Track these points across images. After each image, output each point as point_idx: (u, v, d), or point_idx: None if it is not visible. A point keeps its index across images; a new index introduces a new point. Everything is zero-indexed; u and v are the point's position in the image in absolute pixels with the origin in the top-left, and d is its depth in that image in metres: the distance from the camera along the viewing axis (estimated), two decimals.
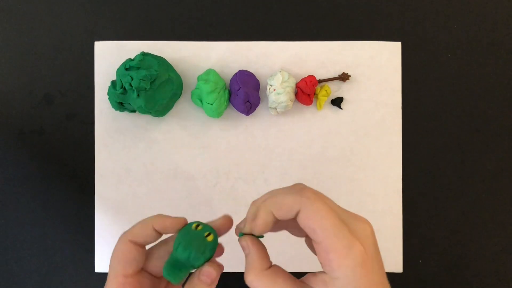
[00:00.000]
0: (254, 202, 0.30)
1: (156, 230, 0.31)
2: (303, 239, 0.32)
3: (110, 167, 0.47)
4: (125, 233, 0.31)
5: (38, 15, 0.48)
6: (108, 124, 0.48)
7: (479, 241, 0.48)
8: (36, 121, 0.48)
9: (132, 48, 0.48)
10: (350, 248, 0.26)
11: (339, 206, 0.29)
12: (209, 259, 0.30)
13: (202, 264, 0.30)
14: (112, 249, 0.31)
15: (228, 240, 0.49)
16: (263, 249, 0.30)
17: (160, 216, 0.32)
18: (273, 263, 0.30)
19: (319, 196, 0.28)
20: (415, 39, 0.48)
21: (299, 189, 0.28)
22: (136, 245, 0.31)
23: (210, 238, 0.30)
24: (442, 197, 0.48)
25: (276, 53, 0.48)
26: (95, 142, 0.48)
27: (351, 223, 0.27)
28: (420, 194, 0.48)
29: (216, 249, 0.31)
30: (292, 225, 0.31)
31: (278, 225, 0.31)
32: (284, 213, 0.28)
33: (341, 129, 0.48)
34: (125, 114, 0.48)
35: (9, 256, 0.48)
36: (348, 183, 0.48)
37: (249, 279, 0.29)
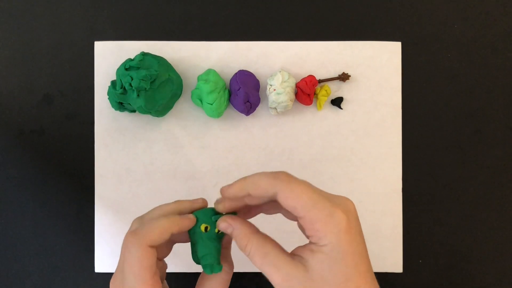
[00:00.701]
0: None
1: (174, 234, 0.32)
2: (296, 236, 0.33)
3: (110, 167, 0.47)
4: (140, 237, 0.31)
5: (38, 15, 0.48)
6: (108, 124, 0.48)
7: (479, 241, 0.48)
8: (36, 121, 0.48)
9: (132, 48, 0.48)
10: (331, 216, 0.28)
11: (318, 188, 0.30)
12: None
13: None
14: (124, 252, 0.31)
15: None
16: (245, 221, 0.32)
17: (175, 219, 0.32)
18: None
19: (294, 178, 0.30)
20: (415, 39, 0.48)
21: (275, 172, 0.30)
22: (154, 247, 0.31)
23: (221, 232, 0.33)
24: (442, 197, 0.48)
25: (276, 53, 0.48)
26: (95, 142, 0.48)
27: (332, 198, 0.29)
28: (420, 194, 0.48)
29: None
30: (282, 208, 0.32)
31: (271, 207, 0.33)
32: (259, 192, 0.30)
33: (341, 129, 0.48)
34: (125, 114, 0.48)
35: (9, 256, 0.48)
36: (348, 183, 0.48)
37: (242, 245, 0.30)
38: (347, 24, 0.48)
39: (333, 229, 0.28)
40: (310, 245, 0.29)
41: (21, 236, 0.48)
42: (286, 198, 0.29)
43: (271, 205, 0.33)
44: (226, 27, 0.48)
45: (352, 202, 0.30)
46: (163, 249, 0.35)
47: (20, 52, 0.48)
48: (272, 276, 0.29)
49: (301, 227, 0.32)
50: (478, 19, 0.49)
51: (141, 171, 0.47)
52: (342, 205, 0.29)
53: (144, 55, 0.44)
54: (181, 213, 0.34)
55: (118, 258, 0.35)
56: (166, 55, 0.47)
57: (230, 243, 0.36)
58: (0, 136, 0.48)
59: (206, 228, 0.33)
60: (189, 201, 0.36)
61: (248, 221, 0.32)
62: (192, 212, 0.34)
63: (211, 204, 0.35)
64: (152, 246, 0.31)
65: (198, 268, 0.35)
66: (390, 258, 0.48)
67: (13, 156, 0.48)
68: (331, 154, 0.48)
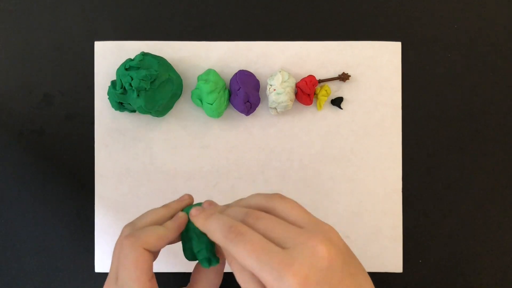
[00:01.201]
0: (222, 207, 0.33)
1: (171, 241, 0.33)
2: None
3: (110, 167, 0.47)
4: (136, 240, 0.31)
5: (38, 15, 0.48)
6: (108, 124, 0.48)
7: (480, 241, 0.48)
8: (36, 121, 0.48)
9: (132, 48, 0.48)
10: (280, 279, 0.25)
11: (284, 224, 0.28)
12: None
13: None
14: (119, 257, 0.31)
15: None
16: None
17: (172, 227, 0.33)
18: None
19: (250, 231, 0.27)
20: (415, 39, 0.48)
21: (234, 226, 0.28)
22: (151, 251, 0.31)
23: None
24: (442, 197, 0.48)
25: (276, 53, 0.48)
26: (95, 142, 0.48)
27: (292, 247, 0.26)
28: (420, 194, 0.48)
29: None
30: None
31: None
32: (214, 240, 0.30)
33: (341, 129, 0.48)
34: (125, 114, 0.48)
35: (9, 256, 0.48)
36: (348, 183, 0.48)
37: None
38: (347, 24, 0.48)
39: None
40: None
41: (21, 236, 0.48)
42: (232, 262, 0.28)
43: None
44: (226, 27, 0.48)
45: (335, 232, 0.27)
46: (155, 254, 0.35)
47: (20, 52, 0.48)
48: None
49: None
50: (478, 19, 0.49)
51: (141, 171, 0.47)
52: (304, 254, 0.25)
53: (144, 55, 0.44)
54: (171, 216, 0.35)
55: None
56: (166, 55, 0.47)
57: None
58: (0, 136, 0.48)
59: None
60: (176, 201, 0.36)
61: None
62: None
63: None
64: (148, 250, 0.31)
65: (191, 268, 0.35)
66: (390, 258, 0.48)
67: (13, 156, 0.48)
68: (331, 154, 0.48)
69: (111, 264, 0.33)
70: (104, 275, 0.47)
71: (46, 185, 0.48)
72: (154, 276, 0.32)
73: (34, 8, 0.48)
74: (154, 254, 0.34)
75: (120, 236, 0.33)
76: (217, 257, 0.34)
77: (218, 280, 0.34)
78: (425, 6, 0.48)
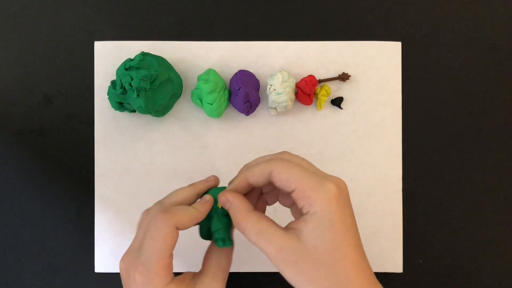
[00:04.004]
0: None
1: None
2: None
3: (110, 167, 0.47)
4: (171, 216, 0.32)
5: (38, 15, 0.48)
6: (108, 124, 0.48)
7: (480, 241, 0.48)
8: (36, 121, 0.48)
9: (132, 48, 0.48)
10: (322, 184, 0.30)
11: (312, 165, 0.33)
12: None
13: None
14: (151, 228, 0.32)
15: None
16: (243, 198, 0.33)
17: (202, 209, 0.34)
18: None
19: (290, 157, 0.33)
20: (415, 39, 0.48)
21: (270, 156, 0.33)
22: (179, 229, 0.33)
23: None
24: (442, 197, 0.48)
25: (276, 53, 0.48)
26: (95, 142, 0.48)
27: (323, 174, 0.32)
28: (420, 194, 0.48)
29: None
30: (276, 194, 0.36)
31: (271, 194, 0.36)
32: (256, 178, 0.32)
33: (341, 129, 0.48)
34: (125, 114, 0.48)
35: (9, 256, 0.48)
36: (348, 183, 0.48)
37: (237, 222, 0.32)
38: (347, 24, 0.48)
39: (323, 196, 0.30)
40: (303, 217, 0.30)
41: (21, 236, 0.48)
42: (279, 174, 0.31)
43: (272, 193, 0.36)
44: (226, 27, 0.48)
45: (343, 181, 0.32)
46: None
47: (20, 52, 0.48)
48: (266, 249, 0.30)
49: (294, 212, 0.35)
50: (478, 19, 0.49)
51: (141, 171, 0.47)
52: (333, 180, 0.31)
53: (144, 55, 0.44)
54: (197, 195, 0.36)
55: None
56: (166, 55, 0.47)
57: None
58: (0, 136, 0.48)
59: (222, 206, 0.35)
60: (203, 181, 0.38)
61: (245, 199, 0.33)
62: (206, 191, 0.37)
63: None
64: (178, 228, 0.33)
65: (198, 268, 0.35)
66: (390, 258, 0.48)
67: (13, 156, 0.48)
68: (331, 154, 0.48)
69: (136, 235, 0.35)
70: (104, 275, 0.47)
71: (46, 185, 0.48)
72: (173, 256, 0.33)
73: (34, 8, 0.48)
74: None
75: (151, 210, 0.35)
76: (232, 240, 0.35)
77: (228, 266, 0.35)
78: (425, 6, 0.48)
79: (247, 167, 0.34)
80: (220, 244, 0.34)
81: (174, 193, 0.36)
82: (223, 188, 0.36)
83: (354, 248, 0.30)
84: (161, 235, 0.32)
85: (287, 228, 0.31)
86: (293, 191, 0.31)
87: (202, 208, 0.35)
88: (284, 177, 0.31)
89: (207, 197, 0.36)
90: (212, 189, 0.37)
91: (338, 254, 0.29)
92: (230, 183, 0.35)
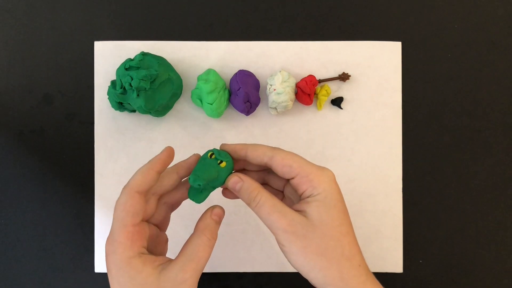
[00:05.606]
0: None
1: (158, 173, 0.34)
2: None
3: (110, 167, 0.47)
4: (128, 185, 0.33)
5: (38, 15, 0.48)
6: (108, 124, 0.48)
7: (480, 241, 0.48)
8: (36, 121, 0.48)
9: (132, 48, 0.48)
10: (322, 170, 0.34)
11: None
12: (225, 181, 0.35)
13: (223, 183, 0.35)
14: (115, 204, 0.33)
15: (228, 241, 0.49)
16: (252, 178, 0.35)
17: (152, 161, 0.34)
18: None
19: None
20: (415, 39, 0.48)
21: (270, 146, 0.35)
22: (141, 194, 0.33)
23: (223, 164, 0.34)
24: (442, 197, 0.48)
25: (276, 53, 0.48)
26: (95, 142, 0.48)
27: (318, 165, 0.34)
28: (420, 194, 0.48)
29: (232, 169, 0.36)
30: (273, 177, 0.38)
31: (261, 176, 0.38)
32: (256, 155, 0.34)
33: (341, 129, 0.48)
34: (125, 114, 0.48)
35: (9, 256, 0.48)
36: (348, 183, 0.48)
37: (252, 197, 0.33)
38: (347, 24, 0.48)
39: (325, 179, 0.33)
40: (305, 199, 0.33)
41: (21, 236, 0.48)
42: (282, 159, 0.33)
43: (263, 174, 0.38)
44: (226, 27, 0.48)
45: (332, 172, 0.34)
46: (156, 206, 0.36)
47: (20, 52, 0.48)
48: (278, 222, 0.32)
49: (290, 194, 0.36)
50: (478, 19, 0.49)
51: None
52: (326, 169, 0.34)
53: (144, 55, 0.44)
54: (178, 174, 0.36)
55: None
56: (166, 55, 0.47)
57: (221, 218, 0.36)
58: (0, 136, 0.48)
59: (211, 155, 0.35)
60: (184, 161, 0.37)
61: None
62: (190, 172, 0.36)
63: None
64: (138, 192, 0.33)
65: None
66: (390, 258, 0.48)
67: (13, 156, 0.48)
68: (331, 154, 0.48)
69: None
70: (104, 275, 0.47)
71: (46, 185, 0.48)
72: (147, 227, 0.33)
73: (34, 8, 0.48)
74: (154, 205, 0.35)
75: None
76: (203, 198, 0.34)
77: (203, 258, 0.33)
78: (425, 6, 0.48)
79: (246, 143, 0.36)
80: (191, 195, 0.34)
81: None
82: (219, 152, 0.35)
83: (351, 228, 0.34)
84: (120, 203, 0.32)
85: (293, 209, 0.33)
86: (293, 177, 0.33)
87: (158, 156, 0.34)
88: (287, 163, 0.33)
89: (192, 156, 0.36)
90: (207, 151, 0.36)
91: (343, 229, 0.32)
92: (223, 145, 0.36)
